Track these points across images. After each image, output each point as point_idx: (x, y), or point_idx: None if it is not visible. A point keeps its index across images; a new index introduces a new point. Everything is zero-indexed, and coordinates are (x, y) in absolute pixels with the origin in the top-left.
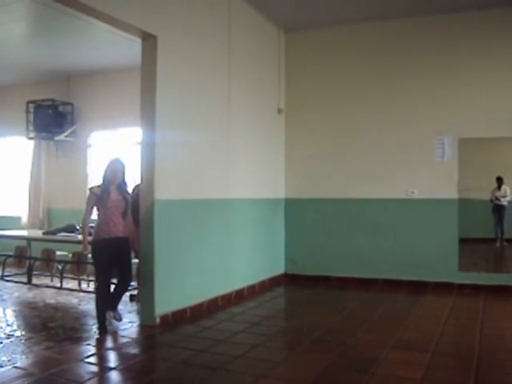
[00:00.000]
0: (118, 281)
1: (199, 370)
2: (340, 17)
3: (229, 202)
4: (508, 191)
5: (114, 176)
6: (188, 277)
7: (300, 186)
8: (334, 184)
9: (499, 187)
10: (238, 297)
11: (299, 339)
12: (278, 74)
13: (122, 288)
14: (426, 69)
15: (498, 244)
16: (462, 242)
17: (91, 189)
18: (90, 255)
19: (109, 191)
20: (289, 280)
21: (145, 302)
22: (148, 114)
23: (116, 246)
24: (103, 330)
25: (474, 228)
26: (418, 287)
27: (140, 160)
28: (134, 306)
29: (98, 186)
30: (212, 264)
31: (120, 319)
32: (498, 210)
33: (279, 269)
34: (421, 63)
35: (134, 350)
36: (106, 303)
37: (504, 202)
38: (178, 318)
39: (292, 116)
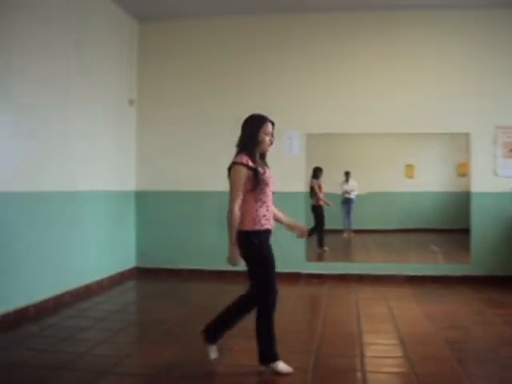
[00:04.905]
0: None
1: (38, 371)
2: (195, 9)
3: (75, 194)
4: (356, 185)
5: (264, 142)
6: (30, 273)
7: (152, 178)
8: (186, 176)
9: (347, 181)
10: (87, 292)
11: (146, 333)
12: (130, 64)
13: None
14: (280, 65)
15: (345, 235)
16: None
17: (240, 160)
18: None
19: (260, 163)
20: (140, 273)
21: None
22: None
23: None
24: (275, 356)
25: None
26: None
27: None
28: None
29: (247, 156)
30: (58, 259)
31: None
32: (347, 202)
33: (130, 262)
34: (276, 59)
35: None
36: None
37: (352, 195)
38: (20, 317)
39: (144, 107)
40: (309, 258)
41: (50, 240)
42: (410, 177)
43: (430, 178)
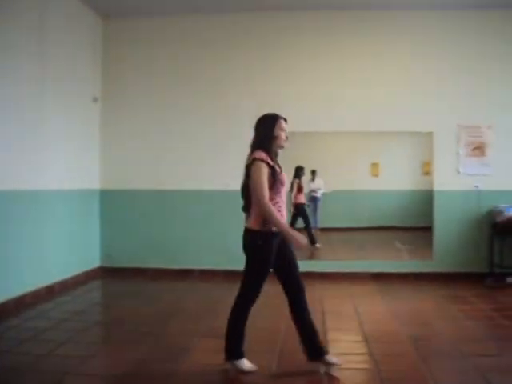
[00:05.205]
0: (297, 295)
1: (0, 374)
2: (159, 7)
3: (37, 193)
4: (322, 184)
5: (280, 138)
6: None
7: (117, 177)
8: (153, 175)
9: (313, 180)
10: (49, 292)
11: (111, 333)
12: (94, 62)
13: (304, 301)
14: (245, 65)
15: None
16: None
17: (260, 157)
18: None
19: (276, 161)
20: (105, 273)
21: None
22: None
23: (284, 243)
24: (241, 354)
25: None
26: (234, 276)
27: None
28: None
29: (264, 153)
30: (19, 259)
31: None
32: (313, 201)
33: (94, 262)
34: (240, 59)
35: None
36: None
37: (318, 193)
38: None
39: (109, 105)
40: None
41: (10, 239)
42: (376, 175)
43: (395, 177)
